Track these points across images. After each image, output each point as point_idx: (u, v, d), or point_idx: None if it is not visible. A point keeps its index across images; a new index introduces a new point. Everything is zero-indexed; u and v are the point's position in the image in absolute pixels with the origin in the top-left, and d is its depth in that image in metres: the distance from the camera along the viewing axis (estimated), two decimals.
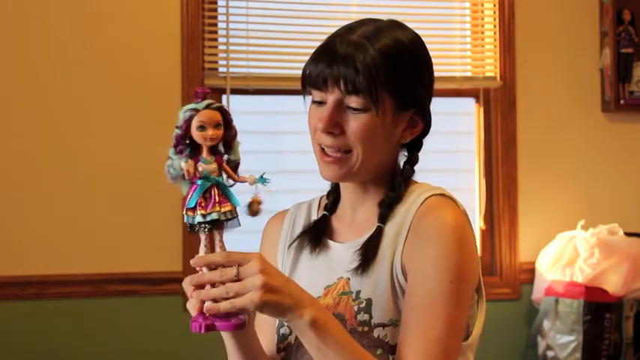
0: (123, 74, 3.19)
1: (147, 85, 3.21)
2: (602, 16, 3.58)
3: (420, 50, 1.46)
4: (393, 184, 1.46)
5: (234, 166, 1.29)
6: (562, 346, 3.28)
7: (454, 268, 1.34)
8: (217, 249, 1.25)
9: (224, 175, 1.27)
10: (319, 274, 1.47)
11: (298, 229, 1.55)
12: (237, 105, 3.26)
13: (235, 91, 3.26)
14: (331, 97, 1.39)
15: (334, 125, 1.39)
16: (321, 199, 1.58)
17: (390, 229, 1.43)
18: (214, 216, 1.24)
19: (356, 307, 1.40)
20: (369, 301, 1.39)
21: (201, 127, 1.25)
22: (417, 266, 1.36)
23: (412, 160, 1.49)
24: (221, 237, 1.25)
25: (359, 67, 1.37)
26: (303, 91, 1.46)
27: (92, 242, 3.15)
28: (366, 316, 1.39)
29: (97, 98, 3.17)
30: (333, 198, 1.53)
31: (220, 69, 3.29)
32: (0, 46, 3.12)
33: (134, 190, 3.19)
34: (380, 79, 1.38)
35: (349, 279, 1.43)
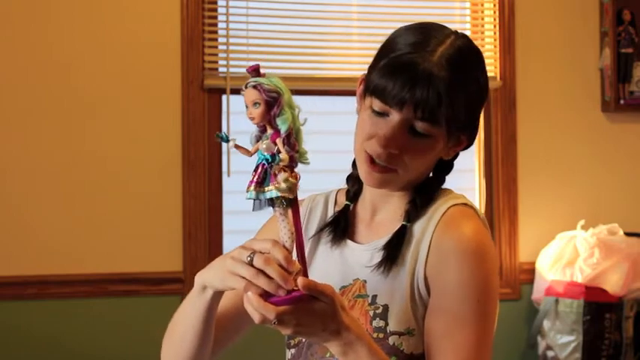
0: (123, 74, 3.19)
1: (147, 85, 3.21)
2: (602, 16, 3.58)
3: (486, 74, 1.44)
4: (426, 187, 1.44)
5: (286, 137, 1.18)
6: (562, 346, 3.28)
7: (481, 286, 1.34)
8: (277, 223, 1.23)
9: (281, 154, 1.19)
10: (335, 273, 1.45)
11: (314, 221, 1.53)
12: (237, 105, 3.26)
13: (235, 91, 3.26)
14: (398, 116, 1.35)
15: (397, 146, 1.36)
16: (337, 193, 1.56)
17: (412, 232, 1.41)
18: (247, 195, 1.20)
19: (372, 313, 1.38)
20: (386, 308, 1.38)
21: (246, 107, 1.21)
22: (442, 285, 1.35)
23: (448, 168, 1.47)
24: (280, 213, 1.21)
25: (443, 98, 1.33)
26: (363, 96, 1.42)
27: (92, 242, 3.15)
28: (381, 323, 1.37)
29: (96, 98, 3.17)
30: (357, 187, 1.50)
31: (220, 69, 3.29)
32: (0, 47, 3.13)
33: (134, 190, 3.19)
34: (459, 112, 1.36)
35: (365, 281, 1.41)
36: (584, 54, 3.59)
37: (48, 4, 3.15)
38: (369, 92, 1.39)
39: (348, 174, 1.53)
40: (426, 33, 1.39)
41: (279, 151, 1.18)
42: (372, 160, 1.38)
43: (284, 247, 1.21)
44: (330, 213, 1.53)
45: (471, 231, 1.36)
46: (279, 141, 1.18)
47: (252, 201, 1.21)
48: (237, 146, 1.21)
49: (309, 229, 1.53)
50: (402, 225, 1.41)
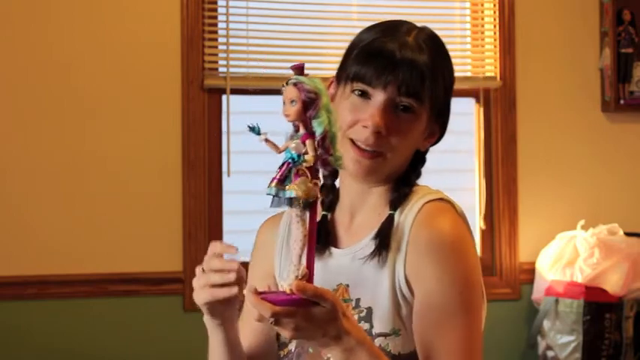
0: (123, 74, 3.19)
1: (147, 85, 3.21)
2: (602, 16, 3.58)
3: (453, 67, 1.48)
4: (404, 179, 1.45)
5: (321, 140, 1.19)
6: (562, 346, 3.28)
7: (462, 279, 1.34)
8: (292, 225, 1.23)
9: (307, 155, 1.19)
10: (318, 281, 1.44)
11: None
12: (237, 105, 3.26)
13: (235, 91, 3.26)
14: (383, 95, 1.37)
15: (384, 125, 1.37)
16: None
17: (394, 224, 1.41)
18: (268, 190, 1.20)
19: (356, 316, 1.38)
20: (370, 310, 1.38)
21: (283, 104, 1.20)
22: (423, 283, 1.35)
23: (423, 162, 1.49)
24: (296, 214, 1.21)
25: (426, 74, 1.36)
26: (335, 85, 1.44)
27: (92, 242, 3.15)
28: (367, 326, 1.37)
29: (96, 98, 3.17)
30: (332, 197, 1.50)
31: (220, 69, 3.29)
32: (0, 47, 3.13)
33: (134, 190, 3.19)
34: (439, 92, 1.39)
35: (348, 285, 1.41)
36: (584, 54, 3.59)
37: (48, 4, 3.15)
38: (349, 80, 1.40)
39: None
40: (391, 23, 1.44)
41: (306, 152, 1.18)
42: (359, 147, 1.38)
43: (300, 245, 1.21)
44: None
45: (447, 225, 1.37)
46: (309, 142, 1.18)
47: (272, 197, 1.20)
48: (267, 141, 1.20)
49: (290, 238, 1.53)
50: (390, 214, 1.41)
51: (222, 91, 3.27)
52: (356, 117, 1.39)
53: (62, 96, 3.15)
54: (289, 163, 1.19)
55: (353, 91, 1.40)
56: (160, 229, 3.20)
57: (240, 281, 1.31)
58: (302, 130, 1.19)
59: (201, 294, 1.32)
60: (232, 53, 3.30)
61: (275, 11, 3.34)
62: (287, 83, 1.19)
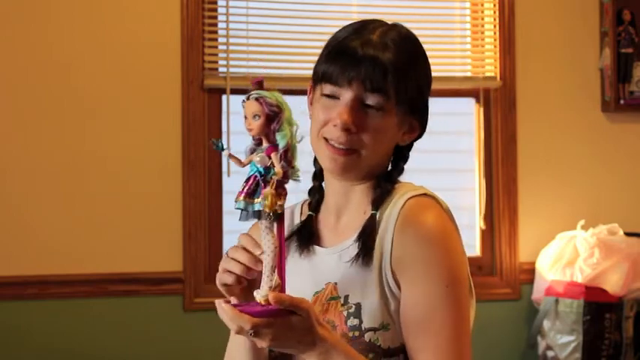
0: (123, 74, 3.19)
1: (147, 85, 3.21)
2: (602, 16, 3.58)
3: (428, 62, 1.49)
4: (386, 176, 1.46)
5: (284, 153, 1.22)
6: (562, 346, 3.28)
7: (447, 273, 1.35)
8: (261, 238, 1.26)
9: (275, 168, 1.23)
10: (307, 280, 1.46)
11: None
12: (237, 105, 3.25)
13: (235, 91, 3.26)
14: (350, 94, 1.39)
15: (353, 122, 1.39)
16: (303, 204, 1.57)
17: (377, 224, 1.42)
18: (236, 204, 1.24)
19: (345, 313, 1.40)
20: (358, 306, 1.39)
21: (245, 118, 1.24)
22: (409, 277, 1.36)
23: (405, 158, 1.50)
24: (266, 227, 1.25)
25: (388, 69, 1.38)
26: (312, 88, 1.47)
27: (92, 242, 3.15)
28: (356, 321, 1.38)
29: (96, 98, 3.17)
30: (318, 197, 1.53)
31: (220, 69, 3.29)
32: (0, 47, 3.13)
33: (134, 190, 3.19)
34: (406, 86, 1.40)
35: (336, 283, 1.42)
36: (584, 54, 3.59)
37: (48, 4, 3.15)
38: (318, 81, 1.43)
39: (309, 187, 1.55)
40: (363, 22, 1.46)
41: (272, 165, 1.21)
42: (333, 146, 1.41)
43: (272, 256, 1.25)
44: (297, 222, 1.54)
45: (431, 220, 1.38)
46: (274, 155, 1.21)
47: (240, 211, 1.24)
48: (231, 155, 1.25)
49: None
50: (372, 214, 1.42)
51: (222, 91, 3.27)
52: (327, 116, 1.41)
53: (62, 96, 3.15)
54: (256, 177, 1.22)
55: (322, 92, 1.43)
56: (160, 229, 3.20)
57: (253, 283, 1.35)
58: (265, 144, 1.22)
59: (220, 276, 1.36)
60: (232, 53, 3.30)
61: (275, 11, 3.35)
62: (248, 98, 1.23)
